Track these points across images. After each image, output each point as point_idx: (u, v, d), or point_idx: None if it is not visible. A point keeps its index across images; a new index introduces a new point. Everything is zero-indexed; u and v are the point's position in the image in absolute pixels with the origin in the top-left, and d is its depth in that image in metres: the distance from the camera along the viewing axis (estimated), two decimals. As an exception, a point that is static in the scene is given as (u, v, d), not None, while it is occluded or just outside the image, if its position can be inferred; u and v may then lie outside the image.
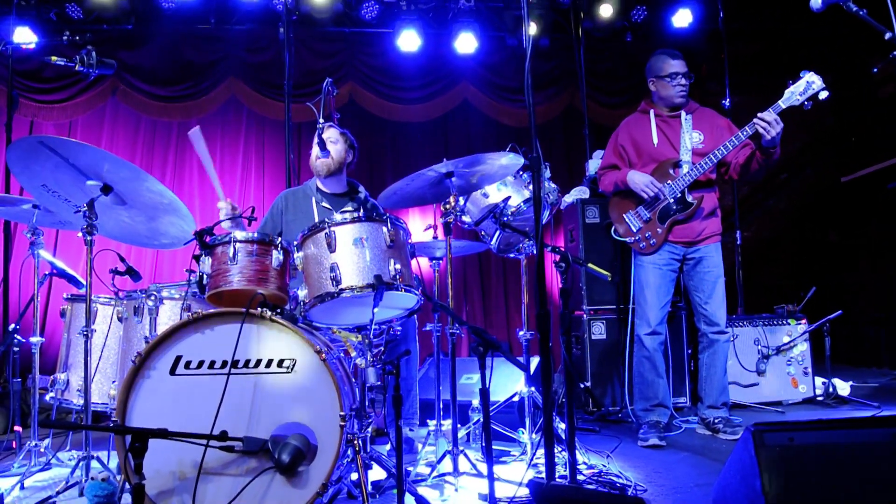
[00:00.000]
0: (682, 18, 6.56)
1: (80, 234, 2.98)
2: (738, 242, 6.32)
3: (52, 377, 3.68)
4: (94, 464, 3.04)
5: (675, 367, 5.04)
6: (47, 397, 3.67)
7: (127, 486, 2.61)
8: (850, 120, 7.63)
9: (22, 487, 3.21)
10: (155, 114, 6.48)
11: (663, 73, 4.28)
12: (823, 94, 4.00)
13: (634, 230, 4.26)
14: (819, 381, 5.31)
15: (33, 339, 3.63)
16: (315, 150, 4.10)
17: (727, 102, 6.20)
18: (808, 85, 3.94)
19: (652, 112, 4.33)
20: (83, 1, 5.84)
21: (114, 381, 3.53)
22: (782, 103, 3.97)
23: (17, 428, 3.92)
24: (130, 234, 3.37)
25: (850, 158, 7.70)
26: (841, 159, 7.81)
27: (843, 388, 5.37)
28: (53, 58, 3.21)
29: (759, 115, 3.95)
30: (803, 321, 5.35)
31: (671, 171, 4.17)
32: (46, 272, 4.24)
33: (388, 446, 3.88)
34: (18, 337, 4.11)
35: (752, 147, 4.07)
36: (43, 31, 5.77)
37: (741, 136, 4.00)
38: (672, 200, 4.15)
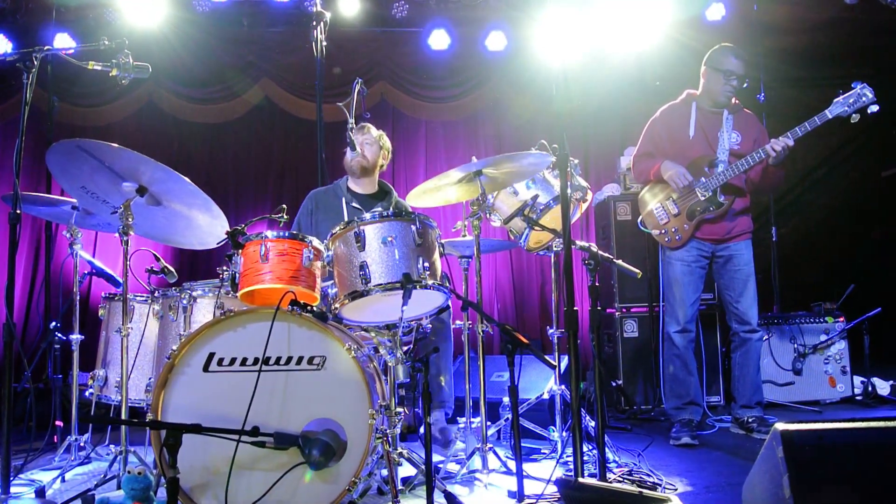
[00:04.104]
0: (716, 12, 6.46)
1: (117, 235, 3.05)
2: (774, 239, 6.23)
3: (91, 374, 3.77)
4: (132, 458, 3.12)
5: (708, 365, 4.99)
6: (87, 393, 3.77)
7: (162, 479, 2.67)
8: (890, 114, 7.46)
9: (63, 480, 3.30)
10: (190, 116, 6.58)
11: (721, 66, 4.22)
12: (873, 108, 3.92)
13: (661, 223, 4.22)
14: (858, 379, 5.22)
15: (73, 337, 3.72)
16: (348, 151, 4.15)
17: (761, 96, 6.11)
18: (859, 97, 3.89)
19: (694, 104, 4.29)
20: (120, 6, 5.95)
21: (150, 378, 3.61)
22: (829, 113, 3.92)
23: (58, 423, 4.03)
24: (166, 234, 3.45)
25: (890, 152, 7.52)
26: (881, 153, 7.63)
27: (882, 387, 5.26)
28: (91, 64, 3.28)
29: (773, 140, 3.98)
30: (841, 319, 5.26)
31: (706, 169, 4.13)
32: (86, 271, 4.36)
33: (418, 442, 3.91)
34: (59, 334, 4.23)
35: (765, 163, 4.07)
36: (81, 37, 5.90)
37: (761, 154, 4.00)
38: (703, 198, 4.11)
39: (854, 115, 3.91)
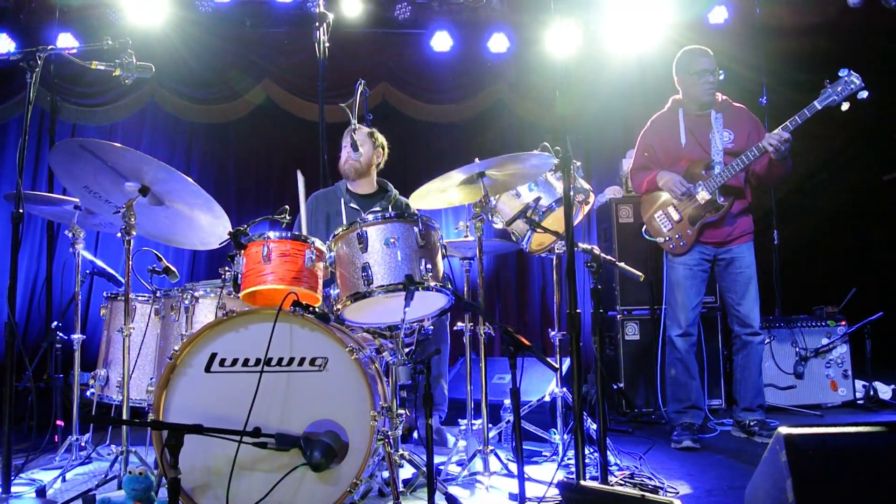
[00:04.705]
0: (718, 15, 6.46)
1: (119, 235, 3.05)
2: (776, 242, 6.22)
3: (92, 373, 3.77)
4: (133, 458, 3.12)
5: (710, 368, 4.98)
6: (88, 393, 3.76)
7: (163, 480, 2.67)
8: (891, 117, 7.45)
9: (63, 480, 3.29)
10: (192, 116, 6.59)
11: (691, 69, 4.22)
12: (863, 94, 3.91)
13: (664, 230, 4.22)
14: (859, 383, 5.21)
15: (75, 336, 3.71)
16: (344, 152, 4.15)
17: (764, 100, 6.10)
18: (847, 84, 3.86)
19: (681, 111, 4.28)
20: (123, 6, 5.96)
21: (151, 378, 3.61)
22: (818, 103, 3.89)
23: (59, 422, 4.03)
24: (168, 234, 3.44)
25: (892, 156, 7.51)
26: (883, 157, 7.63)
27: (884, 391, 5.26)
28: (94, 64, 3.29)
29: (767, 135, 3.94)
30: (843, 323, 5.25)
31: (703, 172, 4.12)
32: (87, 271, 4.35)
33: (417, 444, 3.90)
34: (61, 334, 4.23)
35: (769, 157, 4.03)
36: (84, 37, 5.90)
37: (755, 151, 3.97)
38: (703, 202, 4.10)
39: (844, 103, 3.89)
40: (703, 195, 4.09)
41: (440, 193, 3.39)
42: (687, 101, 4.29)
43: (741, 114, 4.31)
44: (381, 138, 4.32)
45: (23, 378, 4.45)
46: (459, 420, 3.70)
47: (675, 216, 4.19)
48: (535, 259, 6.88)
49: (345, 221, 4.08)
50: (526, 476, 2.81)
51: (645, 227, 4.34)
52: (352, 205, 4.16)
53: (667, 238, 4.22)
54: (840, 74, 3.88)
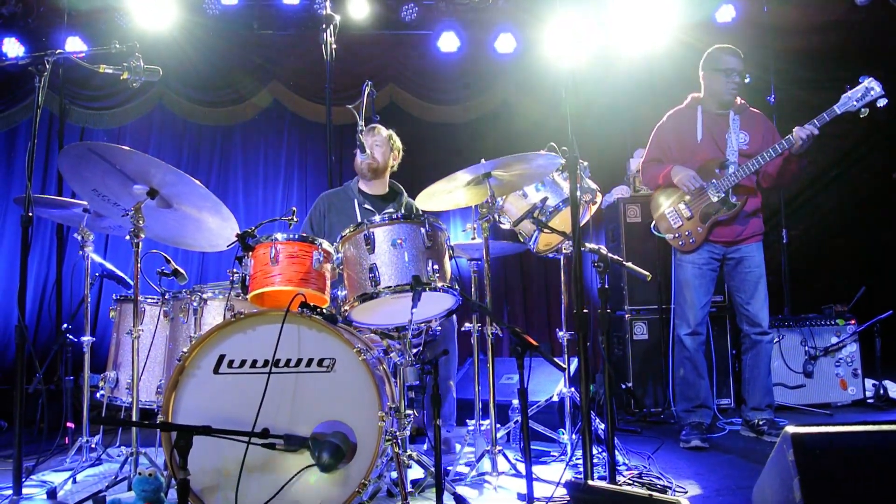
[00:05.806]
0: (725, 13, 6.45)
1: (127, 237, 3.07)
2: (785, 241, 6.19)
3: (102, 375, 3.78)
4: (142, 459, 3.13)
5: (718, 367, 4.97)
6: (98, 395, 3.78)
7: (173, 481, 2.68)
8: (902, 115, 7.41)
9: (74, 481, 3.31)
10: (200, 119, 6.61)
11: (721, 66, 4.22)
12: (882, 102, 3.89)
13: (675, 227, 4.21)
14: (869, 382, 5.19)
15: (84, 339, 3.73)
16: (358, 153, 4.16)
17: (772, 98, 6.08)
18: (867, 91, 3.85)
19: (699, 108, 4.28)
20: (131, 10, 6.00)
21: (160, 380, 3.62)
22: (837, 108, 3.88)
23: (69, 424, 4.05)
24: (176, 237, 3.46)
25: (902, 155, 7.47)
26: (892, 156, 7.58)
27: (894, 390, 5.23)
28: (102, 67, 3.31)
29: (798, 128, 3.92)
30: (852, 321, 5.23)
31: (717, 171, 4.11)
32: (97, 274, 4.38)
33: (426, 445, 3.91)
34: (70, 336, 4.25)
35: (786, 155, 4.01)
36: (92, 41, 5.94)
37: (784, 144, 3.95)
38: (716, 200, 4.09)
39: (863, 109, 3.87)
40: (716, 193, 4.09)
41: (446, 194, 3.39)
42: (707, 98, 4.29)
43: (758, 118, 4.31)
44: (398, 141, 4.33)
45: (33, 380, 4.47)
46: (468, 420, 3.71)
47: (686, 213, 4.18)
48: (543, 259, 6.87)
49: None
50: (534, 476, 2.80)
51: (654, 222, 4.33)
52: (366, 206, 4.16)
53: (676, 234, 4.21)
54: (860, 81, 3.87)
